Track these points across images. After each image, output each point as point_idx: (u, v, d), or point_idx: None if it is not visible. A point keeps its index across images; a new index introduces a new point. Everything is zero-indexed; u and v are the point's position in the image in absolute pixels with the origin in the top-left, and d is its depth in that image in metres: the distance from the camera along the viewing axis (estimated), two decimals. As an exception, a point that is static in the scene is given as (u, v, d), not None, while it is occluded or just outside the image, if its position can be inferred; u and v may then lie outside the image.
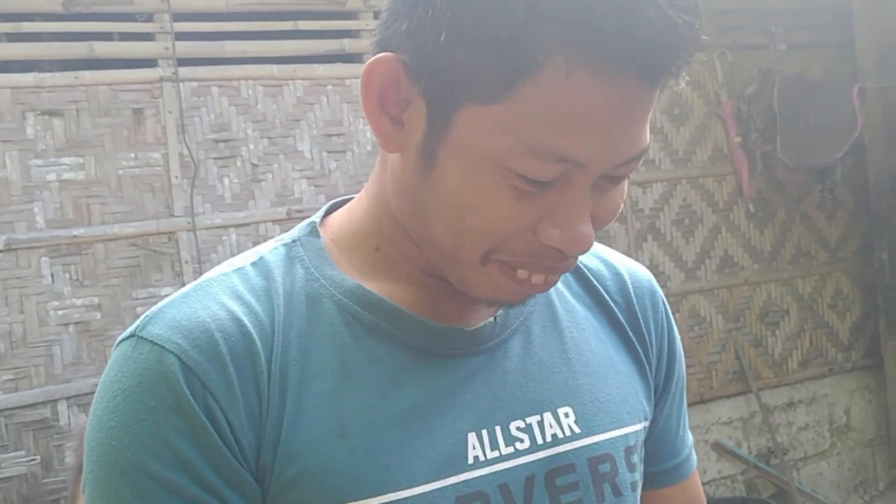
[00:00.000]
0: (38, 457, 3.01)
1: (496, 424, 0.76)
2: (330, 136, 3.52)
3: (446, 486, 0.72)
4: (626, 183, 0.73)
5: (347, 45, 3.56)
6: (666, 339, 0.93)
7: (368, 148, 3.54)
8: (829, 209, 4.66)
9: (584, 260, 0.91)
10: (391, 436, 0.72)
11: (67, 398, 3.06)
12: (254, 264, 0.78)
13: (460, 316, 0.79)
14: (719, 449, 4.26)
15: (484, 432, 0.76)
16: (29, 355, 3.03)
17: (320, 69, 3.50)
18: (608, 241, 3.44)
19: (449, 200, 0.69)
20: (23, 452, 2.99)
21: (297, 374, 0.72)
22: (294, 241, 0.80)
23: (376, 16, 3.57)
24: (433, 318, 0.78)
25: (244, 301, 0.73)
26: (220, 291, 0.74)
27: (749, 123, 4.36)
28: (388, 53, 0.69)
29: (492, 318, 0.81)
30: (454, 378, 0.76)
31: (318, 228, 0.82)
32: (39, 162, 3.07)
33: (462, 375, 0.77)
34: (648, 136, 0.69)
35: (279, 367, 0.71)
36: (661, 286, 0.98)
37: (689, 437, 0.99)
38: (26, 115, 3.06)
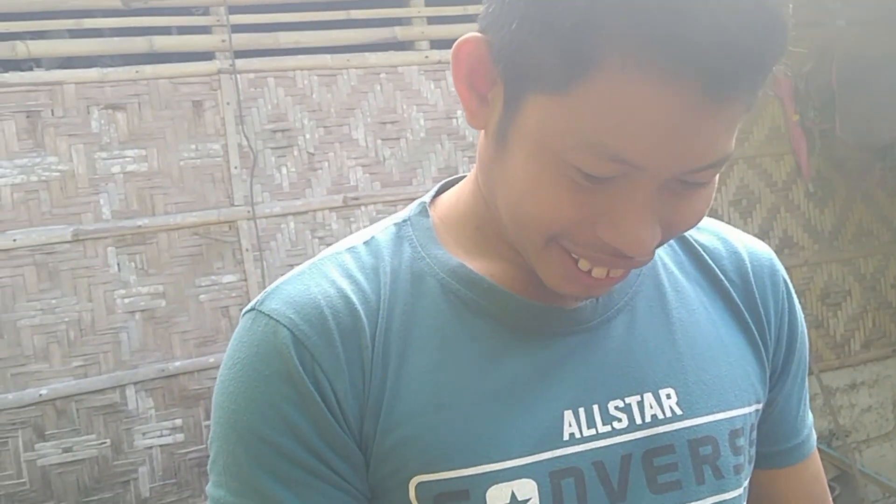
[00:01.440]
0: (108, 440, 3.11)
1: (594, 403, 0.77)
2: (384, 123, 3.55)
3: (541, 461, 0.74)
4: (710, 188, 0.71)
5: (399, 32, 3.58)
6: (787, 319, 0.91)
7: (422, 135, 3.57)
8: (890, 187, 4.57)
9: (700, 238, 0.90)
10: (487, 410, 0.74)
11: (135, 383, 3.15)
12: (366, 243, 0.82)
13: (559, 295, 0.78)
14: (780, 431, 4.22)
15: (581, 410, 0.76)
16: (98, 342, 3.12)
17: (373, 58, 3.53)
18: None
19: (513, 183, 0.70)
20: (93, 436, 3.09)
21: (400, 349, 0.75)
22: (405, 221, 0.84)
23: (427, 3, 3.58)
24: (533, 297, 0.79)
25: (354, 279, 0.77)
26: (332, 269, 0.78)
27: (807, 101, 4.29)
28: (477, 34, 0.71)
29: (594, 298, 0.80)
30: (553, 356, 0.77)
31: (428, 208, 0.84)
32: (104, 155, 3.15)
33: (561, 354, 0.78)
34: (731, 144, 0.67)
35: (382, 342, 0.75)
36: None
37: (810, 418, 0.98)
38: (90, 110, 3.14)
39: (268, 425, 0.72)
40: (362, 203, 3.50)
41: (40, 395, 3.02)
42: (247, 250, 3.33)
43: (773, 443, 0.93)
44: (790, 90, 4.30)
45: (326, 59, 3.49)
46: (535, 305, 0.78)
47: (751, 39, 0.59)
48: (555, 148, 0.66)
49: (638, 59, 0.60)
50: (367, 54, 3.54)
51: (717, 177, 0.71)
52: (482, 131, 0.76)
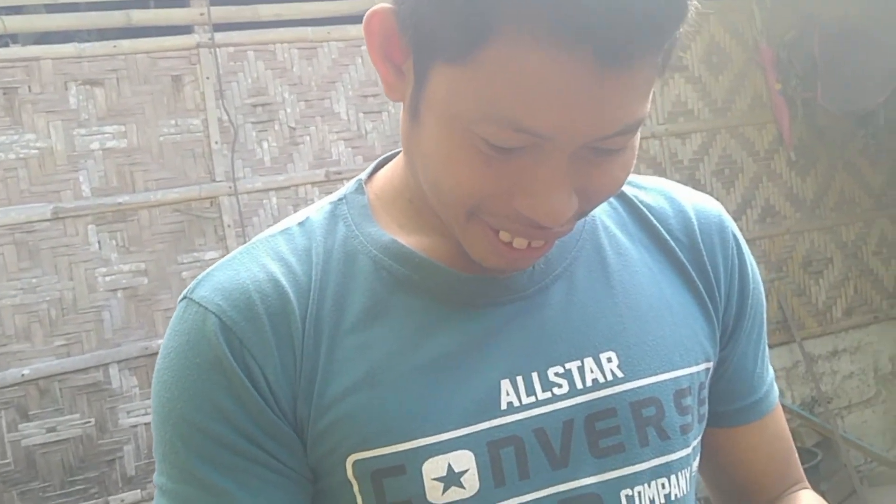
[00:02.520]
0: (93, 419, 3.10)
1: (532, 370, 0.76)
2: (366, 97, 3.53)
3: (478, 432, 0.73)
4: (628, 153, 0.70)
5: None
6: (737, 275, 0.89)
7: (404, 107, 3.55)
8: (872, 155, 4.59)
9: (646, 198, 0.89)
10: (421, 384, 0.74)
11: (118, 361, 3.14)
12: (300, 224, 0.81)
13: (494, 267, 0.77)
14: (763, 399, 4.26)
15: (519, 378, 0.76)
16: (79, 321, 3.11)
17: (354, 30, 3.50)
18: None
19: (428, 156, 0.70)
20: (77, 415, 3.08)
21: (331, 330, 0.75)
22: (340, 200, 0.83)
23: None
24: (467, 269, 0.78)
25: (285, 262, 0.77)
26: (264, 253, 0.78)
27: (789, 70, 4.29)
28: (385, 5, 0.70)
29: (530, 267, 0.80)
30: (488, 326, 0.77)
31: (364, 185, 0.84)
32: (83, 131, 3.12)
33: (497, 323, 0.77)
34: (643, 108, 0.66)
35: (313, 324, 0.74)
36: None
37: (769, 374, 0.96)
38: (68, 86, 3.11)
39: (201, 414, 0.72)
40: (344, 177, 3.48)
41: (23, 375, 3.01)
42: (229, 226, 3.31)
43: (729, 401, 0.92)
44: (772, 59, 4.30)
45: (307, 31, 3.45)
46: (467, 277, 0.78)
47: (643, 5, 0.58)
48: (462, 119, 0.65)
49: (531, 27, 0.59)
50: (347, 26, 3.51)
51: (637, 141, 0.70)
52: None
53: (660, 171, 4.07)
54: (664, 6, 0.60)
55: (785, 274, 4.40)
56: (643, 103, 0.66)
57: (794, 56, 4.28)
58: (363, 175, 0.86)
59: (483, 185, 0.67)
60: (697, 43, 4.18)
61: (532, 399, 0.75)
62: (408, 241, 0.79)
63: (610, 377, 0.78)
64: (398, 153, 0.86)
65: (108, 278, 3.14)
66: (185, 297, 0.77)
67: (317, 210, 0.83)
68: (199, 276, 0.78)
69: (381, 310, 0.76)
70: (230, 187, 3.31)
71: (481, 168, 0.67)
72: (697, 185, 4.18)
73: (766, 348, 0.96)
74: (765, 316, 0.94)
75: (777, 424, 0.96)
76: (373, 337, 0.75)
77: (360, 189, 0.83)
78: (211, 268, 0.79)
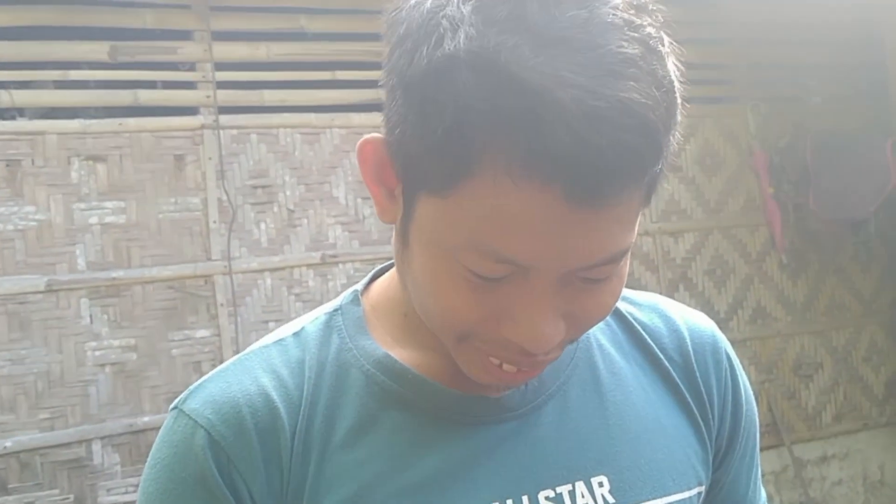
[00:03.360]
0: (72, 495, 3.04)
1: (523, 494, 0.75)
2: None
3: None
4: (615, 280, 0.70)
5: (384, 94, 3.62)
6: (730, 396, 0.88)
7: (402, 195, 3.59)
8: (863, 262, 4.63)
9: (640, 315, 0.89)
10: None
11: (102, 438, 3.10)
12: (295, 335, 0.81)
13: (488, 385, 0.76)
14: (752, 503, 4.20)
15: (509, 502, 0.74)
16: (65, 395, 3.08)
17: (357, 118, 3.57)
18: (639, 290, 3.44)
19: (418, 280, 0.71)
20: (57, 491, 3.03)
21: (321, 446, 0.74)
22: (336, 310, 0.82)
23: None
24: (459, 387, 0.77)
25: (277, 374, 0.77)
26: (257, 365, 0.78)
27: (782, 175, 4.36)
28: (376, 135, 0.72)
29: (523, 385, 0.79)
30: (479, 446, 0.75)
31: (360, 297, 0.84)
32: (82, 206, 3.14)
33: (489, 443, 0.76)
34: (627, 238, 0.66)
35: (302, 440, 0.74)
36: (693, 337, 0.96)
37: (762, 497, 0.95)
38: (71, 160, 3.14)
39: None
40: (340, 261, 3.50)
41: (5, 447, 2.96)
42: (222, 305, 3.31)
43: None
44: (765, 164, 4.38)
45: (311, 117, 3.52)
46: (460, 395, 0.77)
47: (613, 147, 0.58)
48: (446, 248, 0.66)
49: (506, 164, 0.60)
50: (351, 114, 3.58)
51: (626, 267, 0.70)
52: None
53: (652, 269, 4.10)
54: (635, 148, 0.59)
55: (775, 377, 4.39)
56: (627, 234, 0.66)
57: (786, 162, 4.36)
58: (359, 286, 0.85)
59: (470, 311, 0.68)
60: (692, 145, 4.26)
61: None
62: (402, 355, 0.78)
63: (601, 503, 0.77)
64: (393, 265, 0.86)
65: (97, 353, 3.12)
66: (176, 408, 0.76)
67: (312, 320, 0.82)
68: (192, 387, 0.78)
69: (372, 426, 0.75)
70: (225, 266, 3.32)
71: (468, 295, 0.67)
72: (689, 284, 4.22)
73: (759, 470, 0.95)
74: (758, 437, 0.93)
75: None
76: (363, 454, 0.74)
77: (356, 300, 0.83)
78: (204, 378, 0.78)
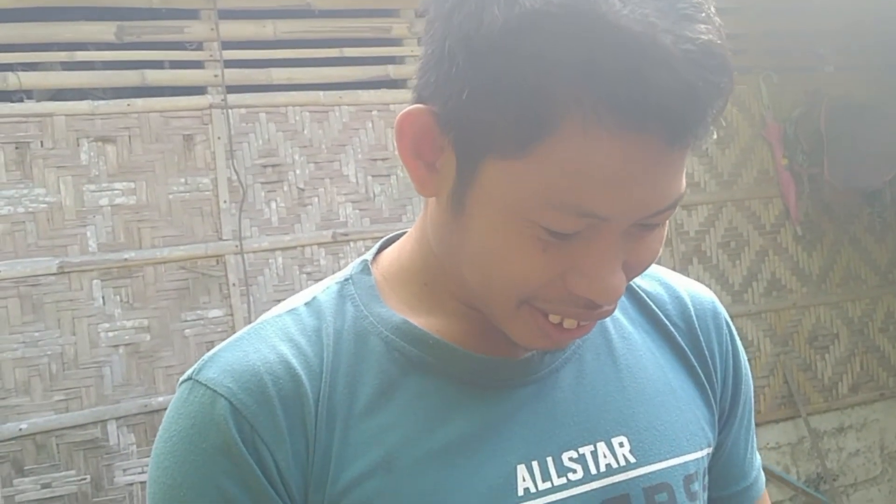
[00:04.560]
0: (89, 476, 3.06)
1: (547, 455, 0.76)
2: (375, 160, 3.56)
3: None
4: (663, 227, 0.72)
5: (392, 71, 3.60)
6: (731, 361, 0.91)
7: (413, 172, 3.57)
8: (878, 232, 4.59)
9: (643, 284, 0.90)
10: (438, 469, 0.72)
11: (117, 418, 3.11)
12: (307, 304, 0.80)
13: (508, 347, 0.78)
14: (767, 474, 4.18)
15: (534, 464, 0.75)
16: (80, 376, 3.09)
17: (365, 95, 3.55)
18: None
19: (478, 248, 0.70)
20: (73, 472, 3.04)
21: (344, 413, 0.73)
22: (347, 280, 0.82)
23: (420, 42, 3.60)
24: (480, 350, 0.78)
25: (295, 343, 0.75)
26: (273, 334, 0.76)
27: (796, 146, 4.32)
28: (420, 106, 0.70)
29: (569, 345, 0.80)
30: (502, 409, 0.76)
31: (370, 266, 0.83)
32: (92, 187, 3.14)
33: (511, 406, 0.77)
34: (683, 183, 0.69)
35: (326, 407, 0.73)
36: (707, 309, 0.97)
37: (758, 459, 0.98)
38: (80, 142, 3.14)
39: (206, 501, 0.70)
40: (351, 239, 3.49)
41: (20, 429, 2.98)
42: (234, 285, 3.31)
43: (722, 486, 0.93)
44: (779, 134, 4.33)
45: (319, 95, 3.50)
46: (481, 358, 0.77)
47: (706, 87, 0.61)
48: (519, 211, 0.66)
49: (599, 118, 0.61)
50: (359, 92, 3.55)
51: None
52: (430, 198, 0.76)
53: (666, 242, 4.06)
54: (721, 86, 0.62)
55: (791, 348, 4.37)
56: (683, 177, 0.69)
57: (800, 132, 4.31)
58: (368, 255, 0.85)
59: (539, 272, 0.68)
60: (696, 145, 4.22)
61: (548, 485, 0.75)
62: (419, 321, 0.78)
63: (623, 462, 0.78)
64: (402, 234, 0.86)
65: (110, 334, 3.13)
66: (189, 379, 0.75)
67: (323, 290, 0.82)
68: (204, 357, 0.76)
69: (395, 392, 0.75)
70: (236, 246, 3.32)
71: (538, 256, 0.67)
72: (703, 257, 4.19)
73: (755, 435, 0.97)
74: (752, 402, 0.96)
75: None
76: (387, 420, 0.73)
77: (366, 269, 0.83)
78: (216, 348, 0.77)
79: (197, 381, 0.73)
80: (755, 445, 0.97)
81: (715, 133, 0.67)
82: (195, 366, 0.76)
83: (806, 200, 4.38)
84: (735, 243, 4.28)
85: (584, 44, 0.60)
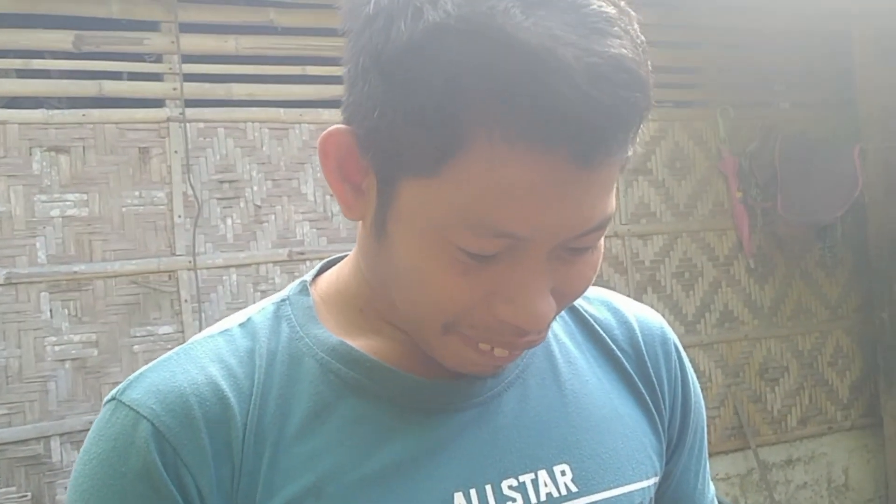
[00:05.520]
0: (30, 493, 2.98)
1: (486, 483, 0.73)
2: (333, 179, 3.53)
3: None
4: (596, 253, 0.70)
5: (347, 82, 3.59)
6: (680, 387, 0.89)
7: (371, 193, 3.56)
8: (829, 267, 4.67)
9: (591, 309, 0.88)
10: (371, 496, 0.70)
11: (61, 434, 3.05)
12: (241, 325, 0.77)
13: (449, 370, 0.75)
14: (716, 505, 4.22)
15: (472, 491, 0.72)
16: (24, 390, 3.02)
17: (326, 114, 3.53)
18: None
19: (400, 272, 0.69)
20: (14, 488, 2.97)
21: (274, 437, 0.71)
22: (284, 300, 0.80)
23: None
24: (420, 373, 0.75)
25: (225, 364, 0.73)
26: (203, 355, 0.74)
27: (750, 179, 4.38)
28: (341, 126, 0.69)
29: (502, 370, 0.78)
30: (441, 434, 0.74)
31: (309, 287, 0.81)
32: (44, 197, 3.08)
33: (450, 431, 0.74)
34: (612, 204, 0.67)
35: (254, 432, 0.70)
36: (660, 339, 0.96)
37: (711, 491, 0.95)
38: (33, 151, 3.08)
39: None
40: (307, 258, 3.47)
41: (-41, 443, 2.90)
42: (185, 301, 3.26)
43: None
44: (735, 168, 4.39)
45: (279, 112, 3.48)
46: (420, 382, 0.75)
47: (613, 102, 0.59)
48: (436, 230, 0.64)
49: (505, 133, 0.59)
50: (320, 110, 3.54)
51: (603, 241, 0.70)
52: (360, 222, 0.74)
53: (621, 271, 4.10)
54: (632, 103, 0.60)
55: (742, 380, 4.41)
56: (611, 199, 0.67)
57: (755, 166, 4.38)
58: (307, 276, 0.83)
59: (461, 295, 0.66)
60: (662, 148, 4.27)
61: None
62: (357, 343, 0.76)
63: (564, 492, 0.76)
64: (343, 257, 0.84)
65: (57, 348, 3.07)
66: (113, 399, 0.71)
67: (258, 311, 0.79)
68: (130, 378, 0.73)
69: (328, 416, 0.72)
70: (190, 262, 3.27)
71: (458, 278, 0.66)
72: (658, 287, 4.22)
73: (707, 464, 0.95)
74: (706, 432, 0.94)
75: None
76: (319, 445, 0.71)
77: (304, 290, 0.80)
78: (143, 368, 0.74)
79: (120, 401, 0.71)
80: (707, 476, 0.95)
81: (631, 151, 0.65)
82: (121, 385, 0.73)
83: (759, 233, 4.43)
84: (689, 274, 4.32)
85: (484, 59, 0.58)
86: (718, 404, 4.31)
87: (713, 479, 4.40)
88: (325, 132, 0.70)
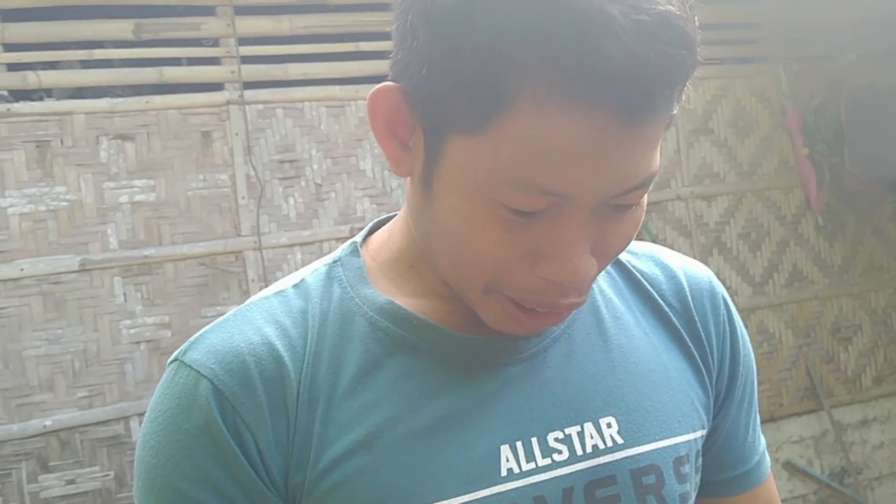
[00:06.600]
0: (112, 472, 3.08)
1: (532, 435, 0.75)
2: (392, 154, 3.55)
3: (477, 499, 0.71)
4: (638, 210, 0.70)
5: (395, 38, 3.59)
6: (728, 341, 0.89)
7: (430, 166, 3.57)
8: (901, 221, 4.55)
9: (638, 264, 0.89)
10: (419, 448, 0.72)
11: (139, 414, 3.13)
12: (295, 286, 0.80)
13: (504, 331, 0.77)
14: (790, 468, 4.17)
15: (518, 444, 0.74)
16: (102, 373, 3.11)
17: (382, 89, 3.54)
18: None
19: (445, 229, 0.70)
20: (97, 468, 3.07)
21: (327, 394, 0.73)
22: (335, 262, 0.82)
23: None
24: (466, 330, 0.77)
25: (280, 324, 0.76)
26: (259, 316, 0.77)
27: (816, 135, 4.29)
28: (389, 83, 0.71)
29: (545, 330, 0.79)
30: (488, 389, 0.75)
31: (359, 248, 0.83)
32: (112, 185, 3.16)
33: (497, 386, 0.76)
34: (656, 162, 0.67)
35: (308, 389, 0.73)
36: (727, 301, 0.96)
37: (761, 443, 0.95)
38: (100, 140, 3.15)
39: (187, 480, 0.70)
40: (369, 234, 3.49)
41: (44, 426, 3.00)
42: (253, 281, 3.32)
43: (720, 470, 0.90)
44: (799, 124, 4.30)
45: (335, 90, 3.50)
46: (466, 338, 0.76)
47: (660, 60, 0.59)
48: (481, 188, 0.65)
49: (551, 91, 0.60)
50: (375, 85, 3.54)
51: (646, 199, 0.70)
52: (408, 178, 0.75)
53: (685, 234, 4.05)
54: (678, 60, 0.60)
55: (813, 340, 4.33)
56: (656, 156, 0.67)
57: (820, 121, 4.28)
58: (358, 238, 0.85)
59: (504, 253, 0.67)
60: (724, 106, 4.19)
61: (532, 465, 0.74)
62: (405, 302, 0.78)
63: (610, 443, 0.77)
64: (393, 216, 0.86)
65: (131, 331, 3.15)
66: (175, 360, 0.75)
67: (311, 272, 0.82)
68: (191, 339, 0.76)
69: (378, 372, 0.74)
70: (255, 242, 3.33)
71: (502, 235, 0.66)
72: (724, 249, 4.16)
73: (758, 417, 0.95)
74: (756, 384, 0.94)
75: (769, 494, 0.94)
76: (370, 400, 0.73)
77: (355, 251, 0.82)
78: (203, 329, 0.77)
79: (182, 361, 0.74)
80: (758, 429, 0.95)
81: (675, 108, 0.65)
82: (182, 346, 0.76)
83: (827, 190, 4.34)
84: (755, 234, 4.25)
85: (531, 16, 0.59)
86: (790, 366, 4.24)
87: (787, 441, 4.35)
88: (373, 89, 0.71)
